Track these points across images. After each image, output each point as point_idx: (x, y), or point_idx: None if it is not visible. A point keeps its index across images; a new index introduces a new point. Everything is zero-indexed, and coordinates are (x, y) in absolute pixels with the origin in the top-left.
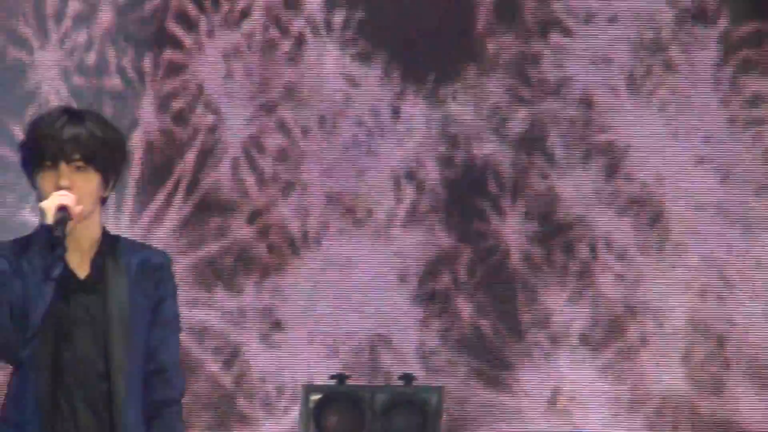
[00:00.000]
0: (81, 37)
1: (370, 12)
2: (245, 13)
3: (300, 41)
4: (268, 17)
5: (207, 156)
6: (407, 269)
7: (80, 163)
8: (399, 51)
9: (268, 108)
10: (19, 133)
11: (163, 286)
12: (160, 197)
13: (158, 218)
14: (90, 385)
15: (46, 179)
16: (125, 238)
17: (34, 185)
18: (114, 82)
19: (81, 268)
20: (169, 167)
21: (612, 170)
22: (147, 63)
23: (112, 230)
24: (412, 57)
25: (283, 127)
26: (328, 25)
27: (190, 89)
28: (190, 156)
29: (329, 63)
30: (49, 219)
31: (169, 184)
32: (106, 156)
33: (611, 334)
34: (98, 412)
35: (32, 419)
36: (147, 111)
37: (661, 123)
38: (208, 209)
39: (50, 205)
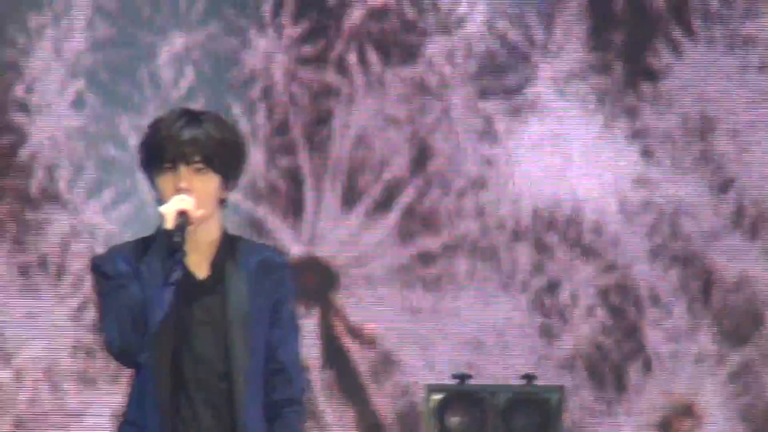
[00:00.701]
0: None
1: None
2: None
3: None
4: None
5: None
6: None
7: (200, 165)
8: None
9: None
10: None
11: (282, 286)
12: None
13: None
14: (210, 386)
15: (165, 181)
16: (245, 239)
17: (153, 186)
18: None
19: (200, 269)
20: None
21: None
22: None
23: None
24: None
25: None
26: None
27: None
28: None
29: None
30: (169, 224)
31: None
32: (224, 157)
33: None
34: (219, 413)
35: (153, 420)
36: None
37: None
38: None
39: (170, 210)
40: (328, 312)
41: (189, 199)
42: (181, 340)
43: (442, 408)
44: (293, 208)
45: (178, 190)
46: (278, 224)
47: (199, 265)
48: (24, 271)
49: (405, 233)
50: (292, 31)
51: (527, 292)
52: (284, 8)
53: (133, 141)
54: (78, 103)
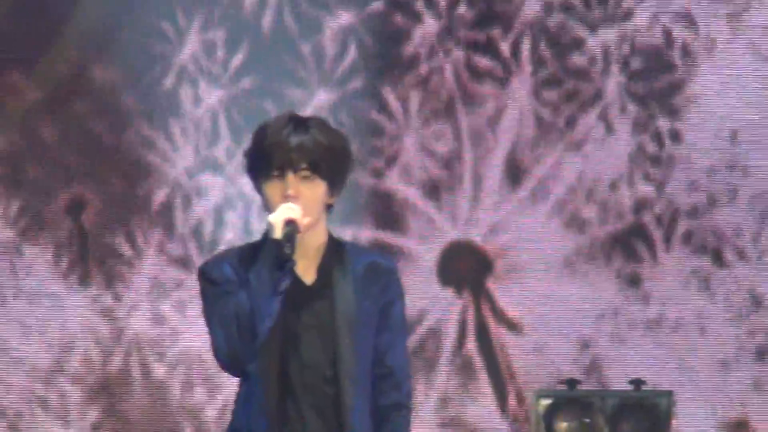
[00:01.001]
0: None
1: None
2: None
3: None
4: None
5: None
6: None
7: (307, 173)
8: None
9: None
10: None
11: (390, 290)
12: None
13: None
14: (318, 391)
15: (272, 188)
16: (351, 243)
17: (260, 192)
18: None
19: (308, 274)
20: None
21: None
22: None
23: None
24: None
25: None
26: None
27: None
28: None
29: None
30: (278, 233)
31: None
32: (331, 163)
33: None
34: (326, 418)
35: (261, 426)
36: None
37: None
38: None
39: (278, 219)
40: (479, 297)
41: (296, 207)
42: (288, 346)
43: (551, 413)
44: (449, 192)
45: (285, 197)
46: (432, 208)
47: (307, 270)
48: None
49: (567, 220)
50: (463, 13)
51: None
52: None
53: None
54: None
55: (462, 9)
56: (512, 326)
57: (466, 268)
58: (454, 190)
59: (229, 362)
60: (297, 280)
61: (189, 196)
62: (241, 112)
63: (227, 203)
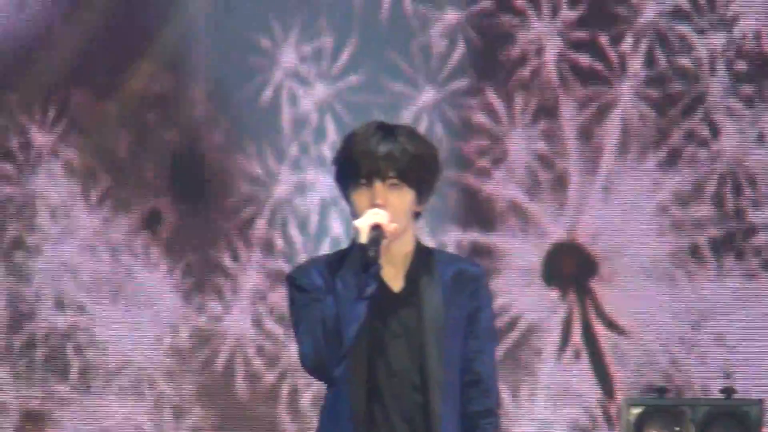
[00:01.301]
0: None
1: None
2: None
3: None
4: None
5: None
6: None
7: (394, 181)
8: None
9: None
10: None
11: (477, 297)
12: None
13: None
14: (406, 398)
15: (360, 196)
16: (439, 250)
17: (347, 200)
18: None
19: (395, 282)
20: None
21: None
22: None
23: None
24: None
25: None
26: None
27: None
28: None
29: None
30: (364, 238)
31: None
32: (419, 172)
33: None
34: (414, 425)
35: None
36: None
37: None
38: None
39: (365, 224)
40: (584, 298)
41: (383, 213)
42: (376, 353)
43: (641, 422)
44: (555, 193)
45: (373, 206)
46: (539, 209)
47: (394, 277)
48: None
49: (670, 223)
50: (567, 13)
51: None
52: None
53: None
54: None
55: (566, 9)
56: (616, 329)
57: (570, 269)
58: (557, 191)
59: (315, 368)
60: (385, 288)
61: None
62: (348, 108)
63: (333, 202)
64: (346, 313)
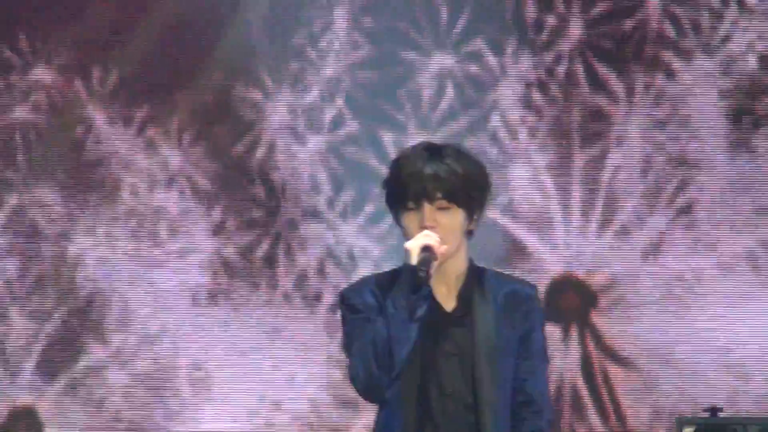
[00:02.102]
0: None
1: None
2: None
3: None
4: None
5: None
6: None
7: (443, 203)
8: None
9: None
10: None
11: (530, 318)
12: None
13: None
14: (458, 419)
15: (409, 219)
16: (492, 270)
17: (398, 223)
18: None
19: (448, 301)
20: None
21: None
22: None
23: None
24: None
25: None
26: None
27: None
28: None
29: None
30: (414, 260)
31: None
32: (468, 192)
33: None
34: None
35: None
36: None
37: None
38: None
39: (414, 246)
40: (585, 331)
41: (434, 234)
42: (428, 373)
43: None
44: (551, 226)
45: (423, 228)
46: (536, 242)
47: (447, 297)
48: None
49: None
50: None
51: None
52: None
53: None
54: (336, 122)
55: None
56: (622, 361)
57: (571, 302)
58: (555, 223)
59: (366, 389)
60: (437, 308)
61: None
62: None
63: None
64: (397, 334)
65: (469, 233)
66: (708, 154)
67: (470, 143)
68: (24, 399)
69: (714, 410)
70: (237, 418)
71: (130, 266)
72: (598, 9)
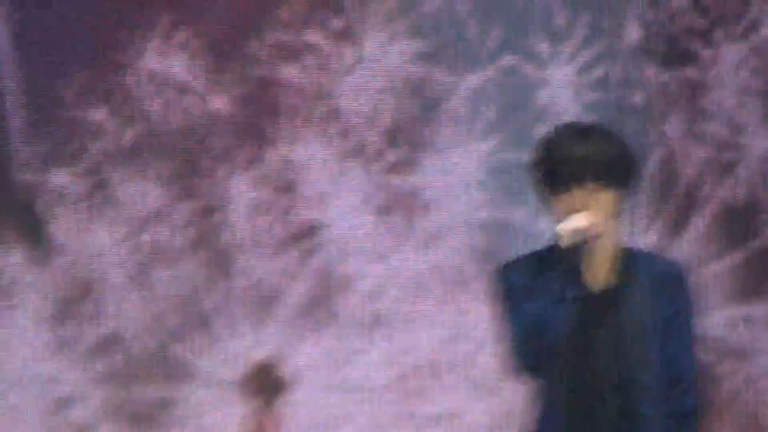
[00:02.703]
0: (592, 51)
1: None
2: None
3: None
4: None
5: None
6: None
7: (593, 185)
8: None
9: None
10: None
11: (680, 298)
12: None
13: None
14: (608, 399)
15: (560, 202)
16: (641, 250)
17: (547, 206)
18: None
19: (597, 283)
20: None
21: None
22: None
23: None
24: None
25: None
26: None
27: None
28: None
29: None
30: (565, 242)
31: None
32: (617, 172)
33: None
34: (617, 426)
35: None
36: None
37: None
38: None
39: (566, 228)
40: None
41: (584, 216)
42: (579, 355)
43: None
44: None
45: (574, 211)
46: None
47: (596, 278)
48: None
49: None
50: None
51: None
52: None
53: None
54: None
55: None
56: None
57: None
58: None
59: (518, 369)
60: (587, 289)
61: None
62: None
63: None
64: (548, 316)
65: (619, 214)
66: None
67: None
68: None
69: None
70: None
71: None
72: None
